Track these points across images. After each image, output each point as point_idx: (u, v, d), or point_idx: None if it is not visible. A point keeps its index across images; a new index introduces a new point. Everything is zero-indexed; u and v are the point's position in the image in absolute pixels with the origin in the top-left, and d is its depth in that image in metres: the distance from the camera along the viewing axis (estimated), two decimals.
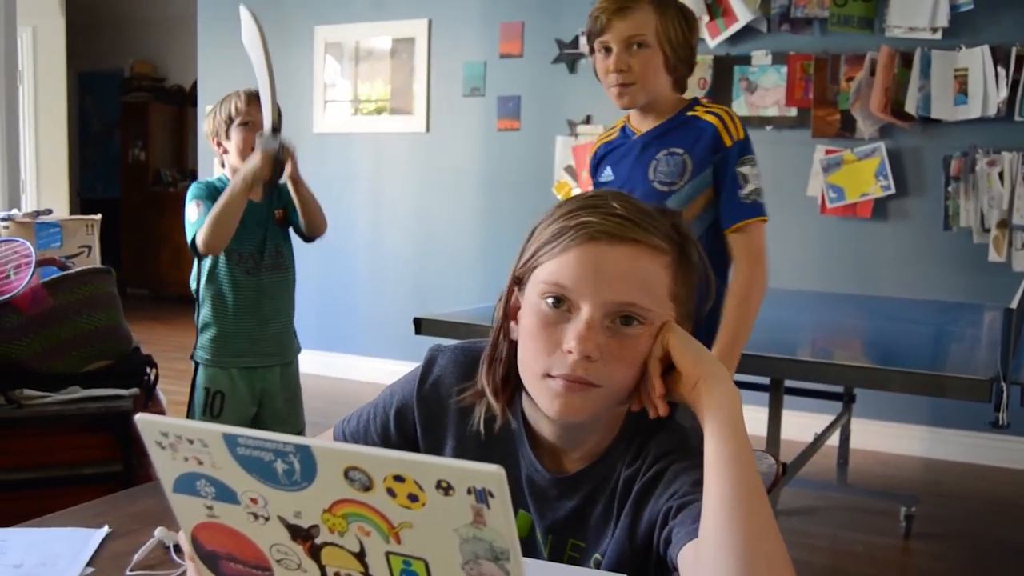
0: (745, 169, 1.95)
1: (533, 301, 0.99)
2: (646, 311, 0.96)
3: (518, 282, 1.04)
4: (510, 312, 1.05)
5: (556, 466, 1.07)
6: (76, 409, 2.36)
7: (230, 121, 2.53)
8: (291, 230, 2.69)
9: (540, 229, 1.02)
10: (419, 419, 1.13)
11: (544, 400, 0.98)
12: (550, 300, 0.97)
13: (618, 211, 0.97)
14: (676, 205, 1.93)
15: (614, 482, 1.04)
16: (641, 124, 2.04)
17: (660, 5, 1.92)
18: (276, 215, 2.63)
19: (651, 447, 1.03)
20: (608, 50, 1.93)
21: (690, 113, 1.99)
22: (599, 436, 1.05)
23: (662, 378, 0.97)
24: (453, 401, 1.11)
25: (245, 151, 2.50)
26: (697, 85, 4.50)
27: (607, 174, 2.09)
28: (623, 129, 2.10)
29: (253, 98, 2.54)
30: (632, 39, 1.89)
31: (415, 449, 1.15)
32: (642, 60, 1.91)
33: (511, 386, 1.06)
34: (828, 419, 3.69)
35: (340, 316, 5.65)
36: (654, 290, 0.97)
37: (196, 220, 2.47)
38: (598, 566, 1.03)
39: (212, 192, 2.50)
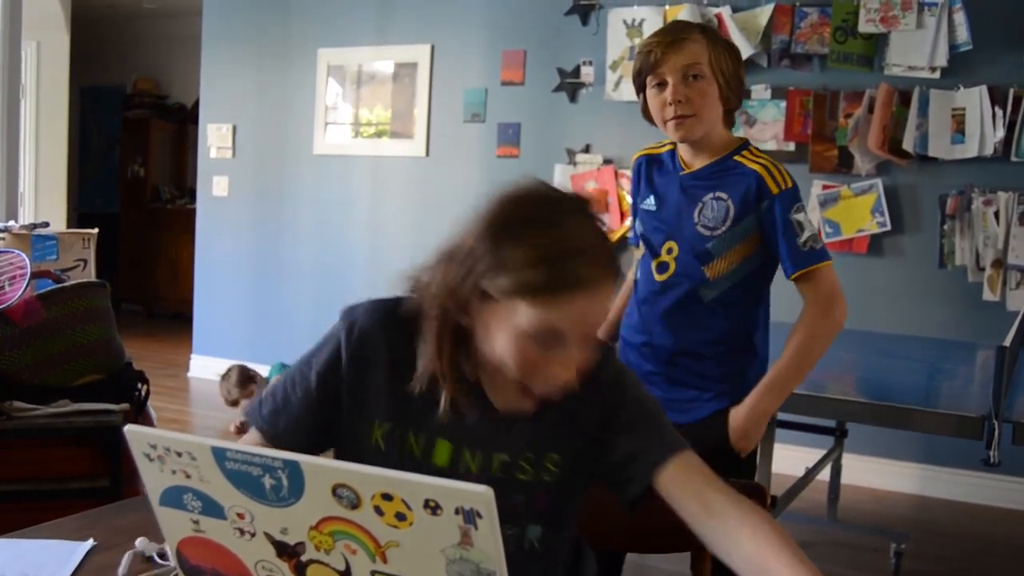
0: (799, 216, 1.94)
1: (518, 329, 1.05)
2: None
3: (477, 289, 1.07)
4: (464, 305, 1.09)
5: (509, 405, 1.15)
6: (65, 423, 2.35)
7: None
8: None
9: (513, 249, 1.05)
10: (348, 377, 1.18)
11: (513, 398, 1.12)
12: (541, 339, 1.05)
13: (605, 252, 1.10)
14: (716, 251, 1.93)
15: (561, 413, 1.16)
16: (693, 160, 2.00)
17: (710, 37, 1.93)
18: None
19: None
20: (662, 85, 1.91)
21: (737, 158, 1.96)
22: None
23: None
24: (385, 352, 1.17)
25: None
26: None
27: (650, 202, 2.05)
28: (671, 154, 2.05)
29: None
30: (688, 69, 1.88)
31: (338, 412, 1.18)
32: (699, 91, 1.89)
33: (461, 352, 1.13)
34: (819, 453, 3.68)
35: None
36: None
37: None
38: (531, 465, 1.16)
39: None
